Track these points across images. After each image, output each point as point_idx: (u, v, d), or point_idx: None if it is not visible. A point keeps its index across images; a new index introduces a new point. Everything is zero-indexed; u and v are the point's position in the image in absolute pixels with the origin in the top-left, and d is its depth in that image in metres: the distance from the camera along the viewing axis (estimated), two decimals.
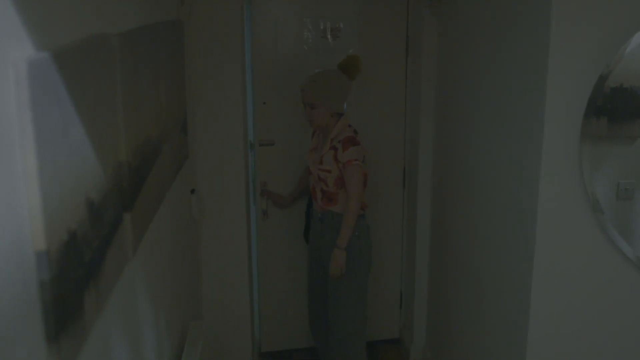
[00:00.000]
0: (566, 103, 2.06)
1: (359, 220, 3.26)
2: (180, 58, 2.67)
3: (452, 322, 3.32)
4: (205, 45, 3.24)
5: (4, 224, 0.89)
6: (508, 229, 2.42)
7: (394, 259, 4.14)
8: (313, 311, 3.66)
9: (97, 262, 1.29)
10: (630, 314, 2.25)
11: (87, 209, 1.23)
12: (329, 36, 3.85)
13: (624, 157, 2.15)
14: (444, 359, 3.52)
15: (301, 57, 3.85)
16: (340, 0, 3.86)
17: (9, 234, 0.91)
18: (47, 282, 1.00)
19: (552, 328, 2.24)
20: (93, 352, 1.30)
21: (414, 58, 3.78)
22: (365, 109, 3.90)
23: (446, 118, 3.37)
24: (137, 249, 1.72)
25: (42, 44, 1.04)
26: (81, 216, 1.18)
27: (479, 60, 2.77)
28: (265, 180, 3.84)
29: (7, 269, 0.89)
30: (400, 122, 3.96)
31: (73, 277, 1.13)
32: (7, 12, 0.91)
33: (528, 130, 2.19)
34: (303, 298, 3.97)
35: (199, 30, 3.21)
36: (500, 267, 2.52)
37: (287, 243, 3.96)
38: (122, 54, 1.55)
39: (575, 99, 2.05)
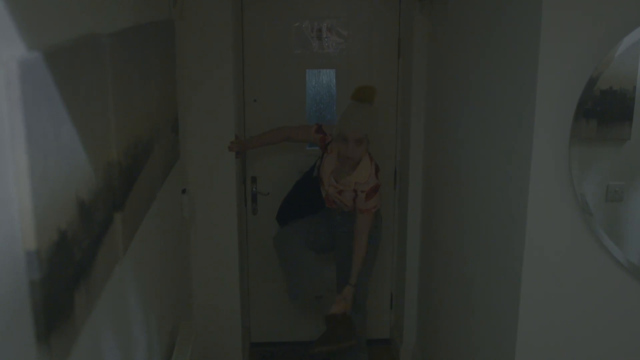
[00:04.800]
0: (556, 105, 2.06)
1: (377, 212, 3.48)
2: (171, 58, 2.66)
3: (441, 322, 3.33)
4: (196, 45, 3.24)
5: None
6: (498, 230, 2.43)
7: (384, 259, 4.15)
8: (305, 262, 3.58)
9: (87, 261, 1.29)
10: (619, 316, 2.26)
11: (78, 208, 1.23)
12: (320, 36, 3.85)
13: (613, 159, 2.16)
14: (434, 359, 3.53)
15: (292, 56, 3.86)
16: (332, 1, 3.86)
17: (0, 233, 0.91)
18: (38, 281, 1.00)
19: (541, 328, 2.25)
20: (84, 351, 1.30)
21: (405, 59, 3.79)
22: None
23: (437, 119, 3.38)
24: (127, 249, 1.72)
25: (33, 44, 1.04)
26: (71, 216, 1.18)
27: (468, 61, 2.78)
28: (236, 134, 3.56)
29: None
30: (391, 123, 3.98)
31: (63, 277, 1.12)
32: None
33: (518, 132, 2.20)
34: None
35: (190, 30, 3.21)
36: (489, 268, 2.53)
37: None
38: (113, 54, 1.55)
39: (565, 101, 2.06)
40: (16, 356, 0.96)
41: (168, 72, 2.55)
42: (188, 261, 3.39)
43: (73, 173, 1.20)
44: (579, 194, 2.12)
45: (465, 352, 2.89)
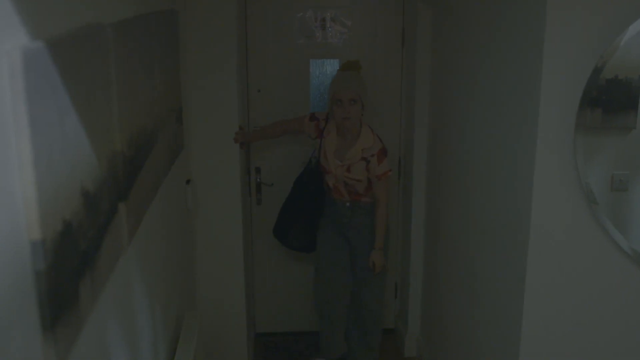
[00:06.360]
0: (561, 94, 2.06)
1: None
2: (175, 48, 2.66)
3: (446, 311, 3.34)
4: (200, 35, 3.23)
5: None
6: (502, 220, 2.43)
7: (389, 249, 4.14)
8: (331, 293, 3.67)
9: (92, 251, 1.29)
10: (624, 304, 2.26)
11: (82, 198, 1.22)
12: (324, 26, 3.84)
13: (618, 148, 2.16)
14: (438, 349, 3.53)
15: (295, 46, 3.85)
16: None
17: (4, 223, 0.90)
18: (43, 271, 1.00)
19: (546, 317, 2.25)
20: (89, 341, 1.30)
21: (409, 49, 3.78)
22: None
23: (441, 109, 3.37)
24: (132, 239, 1.72)
25: (37, 34, 1.03)
26: (76, 206, 1.18)
27: (473, 51, 2.77)
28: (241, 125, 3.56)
29: (2, 259, 0.89)
30: (395, 113, 3.97)
31: (68, 267, 1.13)
32: (1, 1, 0.91)
33: (523, 122, 2.20)
34: (298, 283, 4.04)
35: (194, 20, 3.20)
36: (494, 257, 2.53)
37: None
38: (116, 44, 1.55)
39: (570, 90, 2.05)
40: (22, 346, 0.96)
41: (172, 62, 2.54)
42: (192, 251, 3.39)
43: (77, 163, 1.20)
44: (584, 183, 2.12)
45: (470, 341, 2.89)
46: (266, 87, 3.89)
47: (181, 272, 2.91)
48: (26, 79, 0.93)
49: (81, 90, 1.24)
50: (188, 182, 3.13)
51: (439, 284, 3.48)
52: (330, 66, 3.90)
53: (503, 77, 2.40)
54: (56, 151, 1.07)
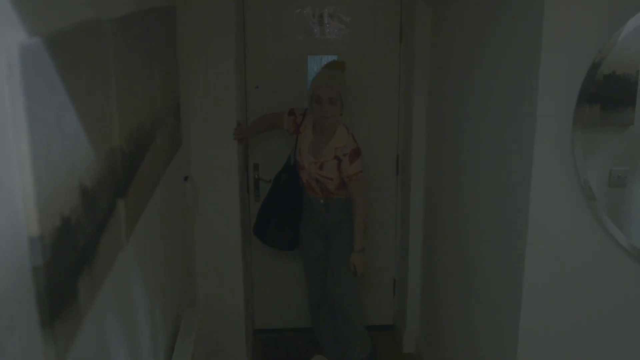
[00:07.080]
0: (559, 90, 2.06)
1: None
2: (173, 44, 2.66)
3: (445, 308, 3.34)
4: (198, 31, 3.22)
5: None
6: (500, 216, 2.43)
7: (387, 246, 4.15)
8: (316, 295, 3.72)
9: (90, 248, 1.29)
10: (623, 300, 2.26)
11: (81, 195, 1.22)
12: (322, 22, 3.84)
13: (616, 144, 2.16)
14: (437, 345, 3.54)
15: (294, 42, 3.85)
16: None
17: (3, 220, 0.90)
18: (41, 268, 1.00)
19: (544, 313, 2.25)
20: (88, 338, 1.30)
21: (407, 46, 3.78)
22: (359, 97, 3.90)
23: (439, 106, 3.37)
24: (130, 236, 1.72)
25: (35, 30, 1.03)
26: (74, 202, 1.18)
27: (471, 47, 2.77)
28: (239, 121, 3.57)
29: (1, 255, 0.89)
30: (394, 110, 3.96)
31: (67, 263, 1.13)
32: None
33: (521, 118, 2.19)
34: (296, 279, 4.04)
35: (192, 16, 3.20)
36: (492, 254, 2.53)
37: None
38: (115, 40, 1.54)
39: (568, 86, 2.05)
40: (21, 343, 0.96)
41: (170, 58, 2.54)
42: (191, 248, 3.39)
43: (76, 159, 1.20)
44: (582, 180, 2.12)
45: (468, 338, 2.90)
46: (264, 84, 3.88)
47: (180, 268, 2.91)
48: (24, 75, 0.93)
49: (80, 86, 1.24)
50: (186, 178, 3.13)
51: (438, 280, 3.49)
52: None
53: (501, 73, 2.39)
54: (54, 147, 1.07)
